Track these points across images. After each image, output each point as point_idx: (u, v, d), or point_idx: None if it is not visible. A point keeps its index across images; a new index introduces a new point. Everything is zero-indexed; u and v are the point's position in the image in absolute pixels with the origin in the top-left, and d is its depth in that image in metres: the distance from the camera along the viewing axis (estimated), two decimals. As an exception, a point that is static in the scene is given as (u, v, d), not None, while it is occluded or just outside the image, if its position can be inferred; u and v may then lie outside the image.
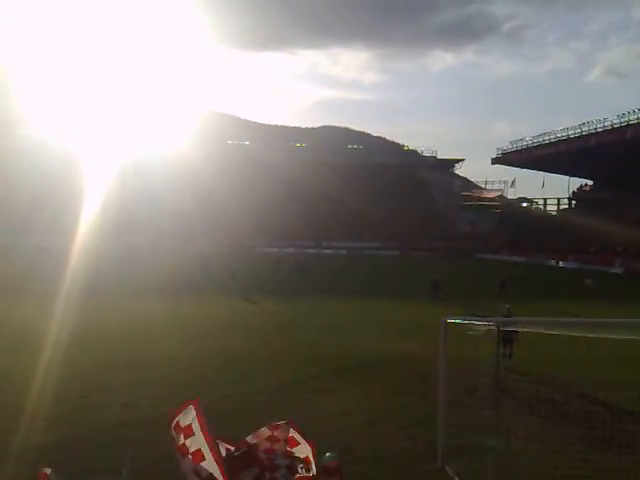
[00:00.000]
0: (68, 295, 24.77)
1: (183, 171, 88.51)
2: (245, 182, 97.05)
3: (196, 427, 5.35)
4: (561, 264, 65.67)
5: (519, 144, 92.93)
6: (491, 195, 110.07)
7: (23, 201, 72.25)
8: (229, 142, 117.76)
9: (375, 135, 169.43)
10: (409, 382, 13.83)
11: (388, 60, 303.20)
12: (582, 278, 41.80)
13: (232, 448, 5.61)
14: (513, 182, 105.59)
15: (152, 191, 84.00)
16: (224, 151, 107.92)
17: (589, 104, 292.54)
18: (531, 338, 13.12)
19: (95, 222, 64.37)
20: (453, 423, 9.58)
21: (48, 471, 5.34)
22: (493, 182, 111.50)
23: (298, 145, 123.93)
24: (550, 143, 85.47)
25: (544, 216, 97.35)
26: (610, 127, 74.68)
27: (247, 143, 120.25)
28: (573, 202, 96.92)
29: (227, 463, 5.17)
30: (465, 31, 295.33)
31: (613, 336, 9.59)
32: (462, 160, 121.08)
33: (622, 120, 72.85)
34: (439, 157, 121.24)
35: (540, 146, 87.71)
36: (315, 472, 5.41)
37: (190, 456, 5.19)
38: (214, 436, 5.35)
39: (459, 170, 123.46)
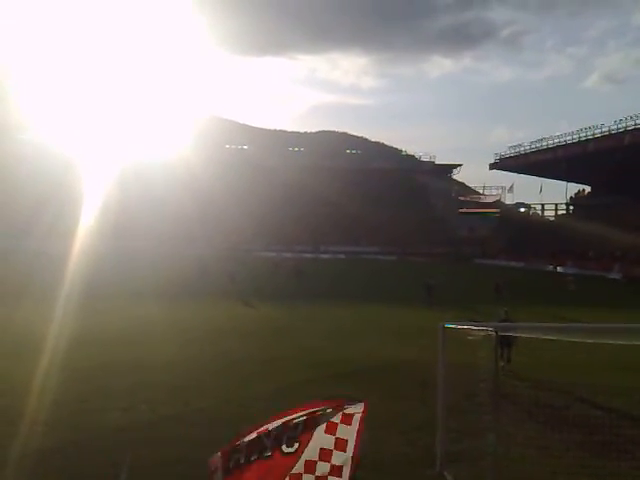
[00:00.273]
0: (67, 299, 24.76)
1: (182, 175, 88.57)
2: (244, 186, 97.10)
3: None
4: (559, 269, 65.67)
5: (517, 150, 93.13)
6: (489, 200, 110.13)
7: (23, 205, 72.31)
8: (228, 146, 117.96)
9: (373, 140, 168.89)
10: (408, 387, 13.83)
11: (387, 65, 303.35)
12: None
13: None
14: (511, 187, 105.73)
15: (151, 195, 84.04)
16: (223, 155, 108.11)
17: (587, 110, 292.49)
18: (530, 343, 13.15)
19: (94, 226, 64.44)
20: (452, 428, 9.58)
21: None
22: (491, 187, 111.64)
23: (297, 149, 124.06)
24: (548, 149, 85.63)
25: (542, 221, 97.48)
26: (608, 133, 74.87)
27: (246, 147, 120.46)
28: (571, 207, 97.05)
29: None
30: (463, 37, 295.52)
31: (612, 342, 9.61)
32: (460, 165, 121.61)
33: (620, 126, 73.08)
34: (437, 162, 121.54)
35: (538, 152, 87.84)
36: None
37: None
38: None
39: (457, 175, 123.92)
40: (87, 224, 64.15)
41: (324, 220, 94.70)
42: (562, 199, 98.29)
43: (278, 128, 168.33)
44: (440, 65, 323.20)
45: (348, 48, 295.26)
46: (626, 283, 51.71)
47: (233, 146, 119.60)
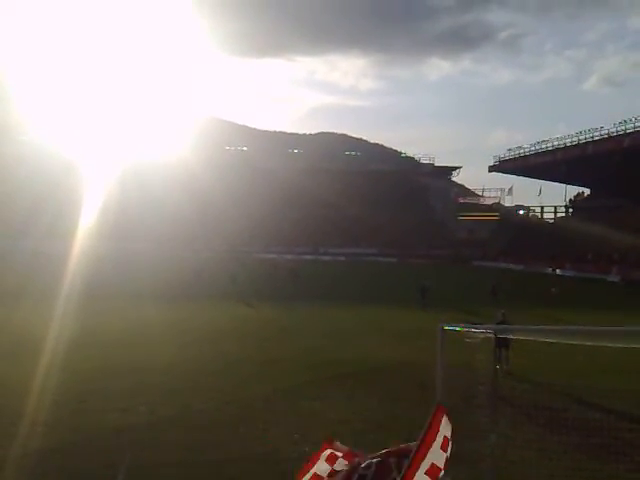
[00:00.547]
0: (66, 300, 24.76)
1: (181, 176, 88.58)
2: (243, 188, 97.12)
3: None
4: (558, 272, 65.71)
5: (516, 152, 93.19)
6: (488, 203, 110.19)
7: (22, 206, 72.23)
8: (227, 148, 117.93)
9: (373, 142, 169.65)
10: (406, 389, 13.84)
11: (385, 67, 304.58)
12: (583, 286, 41.97)
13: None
14: (510, 189, 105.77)
15: (150, 196, 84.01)
16: (222, 157, 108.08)
17: (586, 113, 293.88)
18: (528, 345, 13.17)
19: (93, 227, 64.50)
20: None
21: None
22: (490, 189, 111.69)
23: (296, 151, 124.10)
24: (547, 151, 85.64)
25: (541, 224, 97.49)
26: (607, 135, 74.93)
27: (245, 149, 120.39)
28: (570, 210, 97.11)
29: None
30: (462, 39, 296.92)
31: (610, 344, 9.62)
32: (460, 167, 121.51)
33: (619, 129, 73.10)
34: (436, 164, 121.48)
35: (537, 154, 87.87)
36: None
37: None
38: None
39: (456, 177, 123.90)
40: (86, 225, 64.19)
41: (323, 222, 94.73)
42: (561, 202, 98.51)
43: (277, 130, 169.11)
44: (439, 67, 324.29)
45: (347, 50, 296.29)
46: (625, 286, 51.74)
47: (232, 147, 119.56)
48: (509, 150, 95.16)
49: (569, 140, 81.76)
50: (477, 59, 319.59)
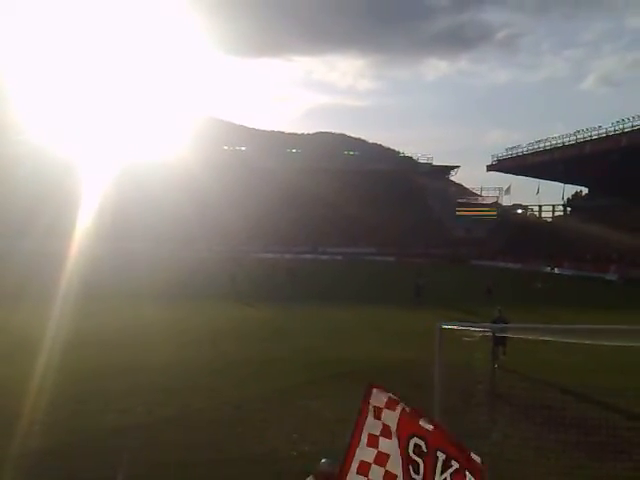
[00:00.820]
0: (65, 300, 24.70)
1: (179, 176, 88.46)
2: (241, 187, 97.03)
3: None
4: (557, 271, 65.79)
5: (514, 151, 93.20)
6: (486, 202, 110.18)
7: (20, 206, 72.09)
8: (225, 148, 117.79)
9: (371, 142, 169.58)
10: (404, 388, 13.81)
11: (383, 67, 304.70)
12: (581, 285, 41.99)
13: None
14: (508, 189, 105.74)
15: (149, 196, 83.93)
16: (220, 156, 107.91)
17: (583, 112, 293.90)
18: (526, 345, 13.18)
19: (92, 227, 64.35)
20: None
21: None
22: (488, 189, 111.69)
23: (294, 151, 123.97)
24: (545, 150, 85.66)
25: (539, 223, 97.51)
26: (605, 135, 74.98)
27: (243, 149, 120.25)
28: (568, 209, 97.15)
29: None
30: (459, 39, 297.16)
31: (608, 343, 9.64)
32: (458, 167, 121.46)
33: (617, 128, 73.14)
34: (435, 164, 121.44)
35: (535, 153, 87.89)
36: None
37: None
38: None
39: (454, 177, 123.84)
40: (84, 225, 64.03)
41: (322, 221, 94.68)
42: (559, 201, 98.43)
43: (276, 129, 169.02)
44: (436, 67, 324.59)
45: (344, 50, 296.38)
46: (623, 284, 51.80)
47: (230, 147, 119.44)
48: (507, 149, 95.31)
49: (567, 139, 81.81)
50: (474, 59, 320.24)
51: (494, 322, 16.06)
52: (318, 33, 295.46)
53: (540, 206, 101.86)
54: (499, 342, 14.98)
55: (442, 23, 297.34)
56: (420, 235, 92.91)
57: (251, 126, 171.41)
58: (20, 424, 10.38)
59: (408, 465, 3.93)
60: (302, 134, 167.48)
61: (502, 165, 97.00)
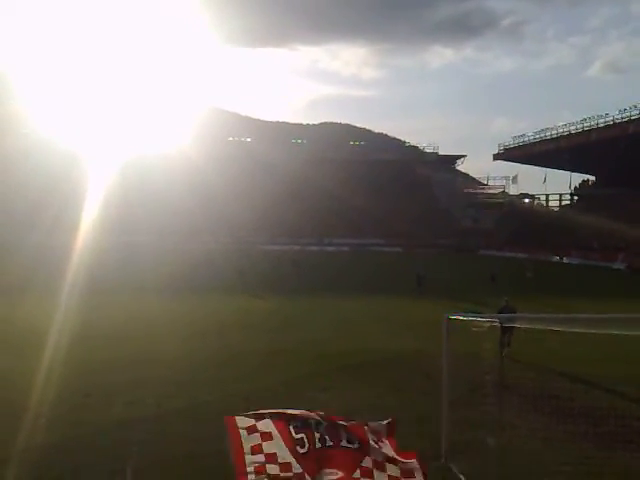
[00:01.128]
0: (70, 293, 24.79)
1: (184, 168, 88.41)
2: (246, 179, 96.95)
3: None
4: (565, 260, 65.66)
5: (520, 140, 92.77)
6: (493, 191, 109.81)
7: (26, 199, 72.34)
8: (230, 139, 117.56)
9: (376, 131, 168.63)
10: (413, 378, 13.81)
11: (387, 56, 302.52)
12: (588, 274, 41.84)
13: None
14: (515, 178, 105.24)
15: (153, 188, 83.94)
16: (225, 148, 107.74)
17: (589, 100, 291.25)
18: (533, 334, 13.11)
19: (97, 220, 64.45)
20: (457, 420, 9.55)
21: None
22: (495, 178, 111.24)
23: (299, 141, 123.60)
24: (551, 139, 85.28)
25: (546, 212, 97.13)
26: (612, 122, 74.50)
27: (248, 140, 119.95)
28: (575, 198, 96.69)
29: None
30: (464, 27, 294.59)
31: (617, 332, 9.56)
32: (464, 156, 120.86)
33: (624, 115, 72.68)
34: (441, 153, 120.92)
35: (541, 142, 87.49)
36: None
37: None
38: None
39: (461, 166, 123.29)
40: (90, 218, 64.14)
41: (328, 212, 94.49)
42: (566, 190, 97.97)
43: (281, 120, 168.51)
44: (441, 55, 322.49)
45: (348, 39, 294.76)
46: (630, 273, 51.61)
47: (235, 138, 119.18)
48: (514, 138, 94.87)
49: (573, 127, 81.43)
50: (480, 47, 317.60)
51: (501, 311, 16.05)
52: (321, 22, 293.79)
53: (547, 195, 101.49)
54: (506, 331, 15.10)
55: (446, 10, 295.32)
56: (427, 225, 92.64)
57: (256, 117, 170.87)
58: (26, 417, 10.39)
59: (295, 447, 4.69)
60: (307, 124, 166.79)
61: (509, 154, 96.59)
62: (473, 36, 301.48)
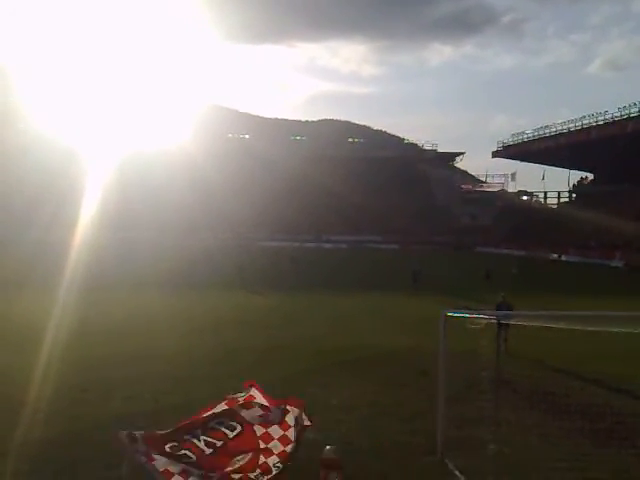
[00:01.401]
0: (69, 289, 24.77)
1: (183, 165, 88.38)
2: (245, 175, 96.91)
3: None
4: (563, 257, 65.73)
5: (519, 137, 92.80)
6: (492, 189, 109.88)
7: (24, 195, 72.24)
8: (229, 136, 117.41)
9: (375, 128, 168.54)
10: (409, 375, 13.85)
11: (386, 53, 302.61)
12: (586, 271, 41.89)
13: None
14: (513, 175, 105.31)
15: (152, 185, 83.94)
16: (224, 145, 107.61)
17: (589, 97, 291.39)
18: (530, 331, 13.14)
19: (96, 216, 64.38)
20: (453, 416, 9.59)
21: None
22: (494, 175, 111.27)
23: (298, 138, 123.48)
24: (550, 136, 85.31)
25: (544, 209, 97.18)
26: (611, 120, 74.53)
27: (247, 137, 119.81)
28: (573, 195, 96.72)
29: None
30: (464, 24, 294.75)
31: (613, 329, 9.60)
32: (462, 153, 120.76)
33: (623, 113, 72.74)
34: (439, 150, 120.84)
35: (540, 139, 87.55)
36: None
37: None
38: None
39: (459, 163, 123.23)
40: (88, 214, 64.08)
41: (326, 209, 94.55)
42: (565, 187, 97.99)
43: (280, 117, 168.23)
44: (440, 52, 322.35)
45: (348, 36, 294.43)
46: (628, 271, 51.68)
47: (234, 135, 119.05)
48: (512, 135, 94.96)
49: (572, 125, 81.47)
50: (479, 44, 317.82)
51: (497, 307, 16.12)
52: (321, 19, 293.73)
53: (545, 192, 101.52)
54: (502, 327, 15.14)
55: (446, 7, 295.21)
56: (425, 222, 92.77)
57: (255, 114, 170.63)
58: (24, 412, 10.41)
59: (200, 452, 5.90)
60: (306, 121, 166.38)
61: (507, 151, 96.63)
62: (473, 33, 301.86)
